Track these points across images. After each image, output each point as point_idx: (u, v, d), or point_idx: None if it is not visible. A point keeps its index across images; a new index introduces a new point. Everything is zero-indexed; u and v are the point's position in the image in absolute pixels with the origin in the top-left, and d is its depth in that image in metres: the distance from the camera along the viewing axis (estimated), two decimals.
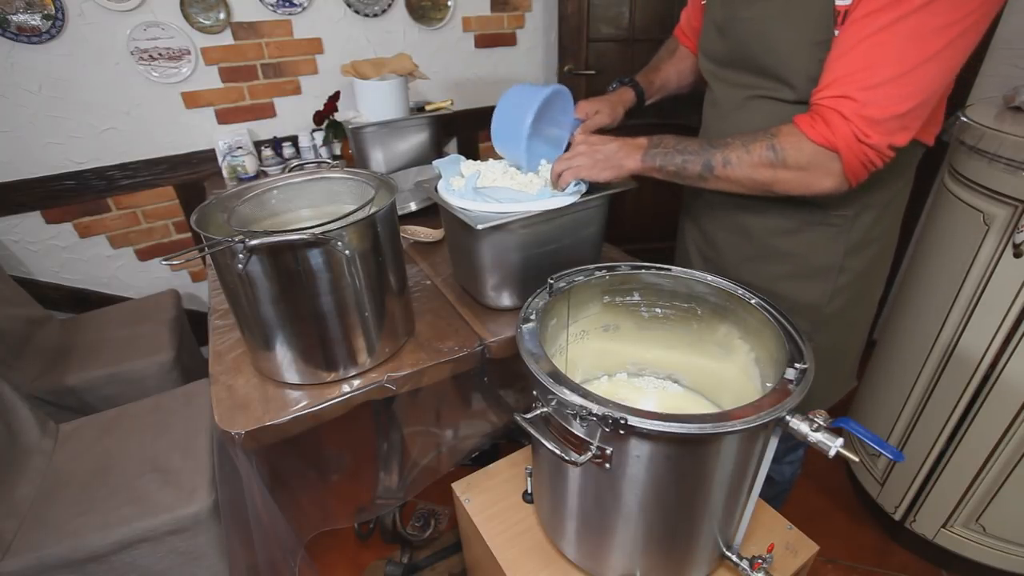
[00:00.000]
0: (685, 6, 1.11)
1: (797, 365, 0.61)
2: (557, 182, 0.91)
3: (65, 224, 1.81)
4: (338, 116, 1.89)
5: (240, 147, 1.88)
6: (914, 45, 0.62)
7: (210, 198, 0.87)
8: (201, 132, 1.91)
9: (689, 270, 0.81)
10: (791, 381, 0.60)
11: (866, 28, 0.65)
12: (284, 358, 0.86)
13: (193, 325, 1.97)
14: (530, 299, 0.77)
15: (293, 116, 2.04)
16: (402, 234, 1.26)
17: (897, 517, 1.46)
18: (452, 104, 1.80)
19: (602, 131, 1.05)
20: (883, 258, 0.94)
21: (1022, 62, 1.56)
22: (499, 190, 0.96)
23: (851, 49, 0.67)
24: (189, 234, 2.04)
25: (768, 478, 1.17)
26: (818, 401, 1.01)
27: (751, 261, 0.96)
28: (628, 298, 0.85)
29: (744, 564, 0.70)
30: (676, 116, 2.39)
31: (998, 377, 1.17)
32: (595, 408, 0.55)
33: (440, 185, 1.01)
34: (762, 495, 1.12)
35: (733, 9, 0.83)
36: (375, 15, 2.01)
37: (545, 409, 0.62)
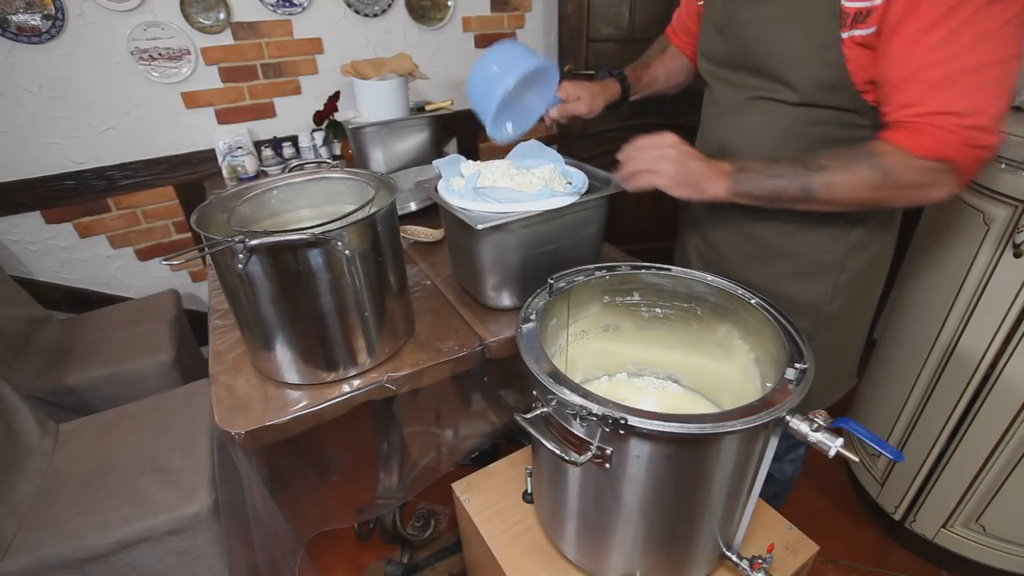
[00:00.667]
0: (678, 6, 1.11)
1: (797, 365, 0.61)
2: (628, 180, 0.86)
3: (65, 224, 1.81)
4: (338, 116, 1.89)
5: (240, 147, 1.88)
6: (985, 47, 0.63)
7: (210, 198, 0.87)
8: (201, 132, 1.91)
9: (689, 270, 0.81)
10: (791, 381, 0.60)
11: (931, 40, 0.64)
12: (284, 358, 0.86)
13: (193, 325, 1.97)
14: (530, 299, 0.77)
15: (293, 116, 2.04)
16: (402, 234, 1.26)
17: (897, 517, 1.46)
18: (452, 104, 1.80)
19: (575, 119, 1.08)
20: (883, 257, 0.94)
21: None
22: (499, 190, 0.96)
23: (924, 64, 0.65)
24: (189, 234, 2.04)
25: (769, 476, 1.16)
26: (819, 400, 1.01)
27: (752, 261, 0.96)
28: (628, 298, 0.85)
29: (744, 564, 0.70)
30: (676, 116, 2.39)
31: (998, 377, 1.16)
32: (595, 408, 0.55)
33: (440, 185, 1.01)
34: (763, 493, 1.12)
35: (735, 10, 0.83)
36: (375, 15, 2.01)
37: (545, 409, 0.62)
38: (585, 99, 1.04)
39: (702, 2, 0.95)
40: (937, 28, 0.63)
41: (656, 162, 0.80)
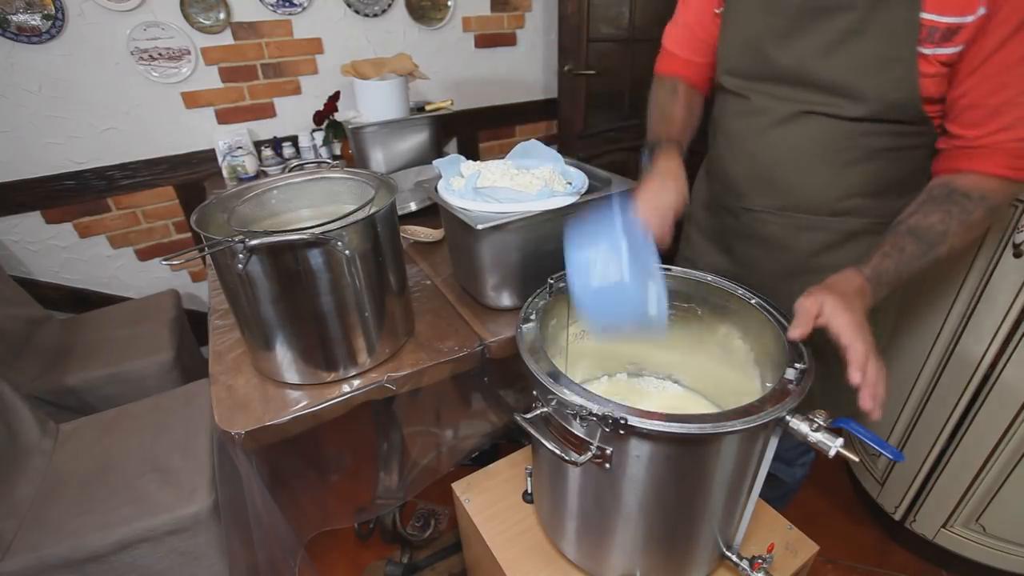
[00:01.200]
0: (673, 37, 0.99)
1: (797, 365, 0.61)
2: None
3: (65, 224, 1.81)
4: (338, 116, 1.89)
5: (240, 147, 1.88)
6: None
7: (210, 198, 0.87)
8: (201, 132, 1.91)
9: (689, 270, 0.81)
10: (791, 381, 0.60)
11: (1010, 62, 0.63)
12: (284, 358, 0.86)
13: (193, 325, 1.97)
14: (530, 299, 0.77)
15: (293, 116, 2.04)
16: (402, 234, 1.26)
17: (897, 517, 1.46)
18: (452, 104, 1.80)
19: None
20: None
21: None
22: (499, 190, 0.96)
23: (1020, 93, 0.65)
24: (189, 234, 2.04)
25: (778, 480, 1.16)
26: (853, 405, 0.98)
27: (787, 278, 0.91)
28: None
29: (744, 564, 0.70)
30: None
31: (998, 377, 1.16)
32: (595, 408, 0.55)
33: (440, 185, 1.01)
34: (770, 495, 1.11)
35: (789, 23, 0.77)
36: (375, 15, 2.01)
37: (545, 409, 0.62)
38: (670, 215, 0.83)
39: (720, 10, 0.89)
40: (1018, 46, 0.62)
41: (859, 330, 0.62)
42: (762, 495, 0.86)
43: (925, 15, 0.65)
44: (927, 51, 0.67)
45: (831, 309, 0.62)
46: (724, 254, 1.02)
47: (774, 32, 0.79)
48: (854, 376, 0.58)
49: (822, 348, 0.64)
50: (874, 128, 0.76)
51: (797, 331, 0.64)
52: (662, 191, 0.81)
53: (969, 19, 0.63)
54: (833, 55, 0.74)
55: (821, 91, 0.77)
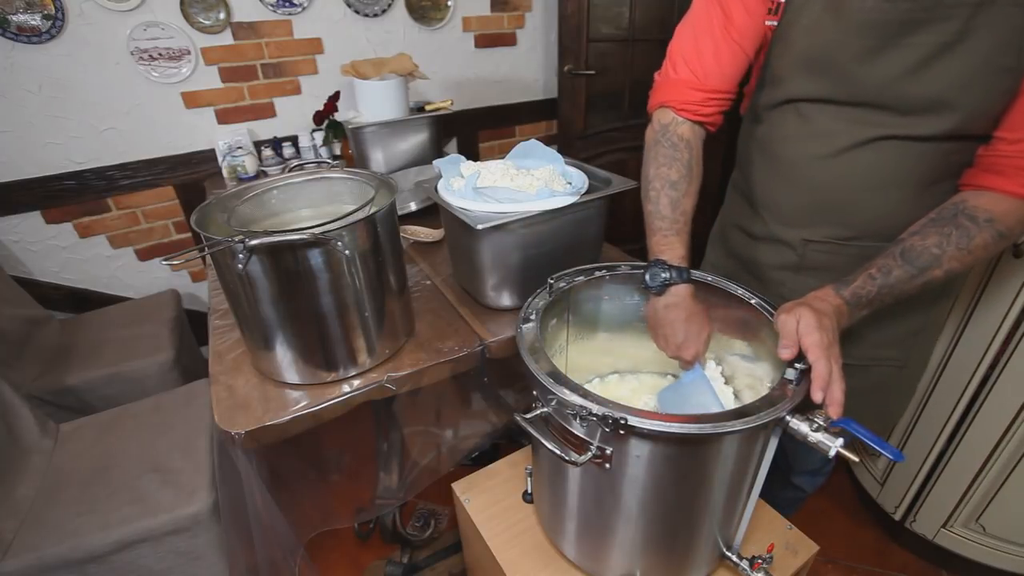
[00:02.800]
0: (700, 60, 0.80)
1: (797, 365, 0.61)
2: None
3: (65, 224, 1.81)
4: (338, 116, 1.89)
5: (240, 147, 1.88)
6: None
7: (210, 198, 0.87)
8: (201, 132, 1.91)
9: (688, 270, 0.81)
10: (791, 381, 0.60)
11: None
12: (284, 358, 0.86)
13: (193, 325, 1.96)
14: (530, 299, 0.77)
15: (293, 116, 2.04)
16: (402, 234, 1.26)
17: (897, 517, 1.46)
18: (452, 104, 1.80)
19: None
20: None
21: None
22: (499, 190, 0.96)
23: None
24: (189, 234, 2.04)
25: (814, 473, 1.15)
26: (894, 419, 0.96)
27: None
28: (628, 298, 0.85)
29: (744, 564, 0.70)
30: None
31: (998, 377, 1.16)
32: (595, 408, 0.55)
33: (440, 185, 1.01)
34: (785, 500, 1.09)
35: (872, 41, 0.68)
36: (375, 15, 2.01)
37: (545, 409, 0.62)
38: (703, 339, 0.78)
39: (773, 23, 0.75)
40: None
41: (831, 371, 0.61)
42: (778, 501, 0.86)
43: None
44: None
45: (804, 326, 0.61)
46: (756, 280, 0.93)
47: (855, 50, 0.69)
48: (815, 395, 0.58)
49: None
50: (954, 146, 0.70)
51: (787, 351, 0.62)
52: (690, 324, 0.75)
53: None
54: (928, 71, 0.66)
55: (905, 111, 0.70)
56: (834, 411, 0.58)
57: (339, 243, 0.76)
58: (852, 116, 0.73)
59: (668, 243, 0.79)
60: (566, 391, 0.58)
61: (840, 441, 0.55)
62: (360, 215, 0.79)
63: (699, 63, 0.80)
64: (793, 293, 0.79)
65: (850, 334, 0.74)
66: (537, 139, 1.09)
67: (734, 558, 0.70)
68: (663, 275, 0.75)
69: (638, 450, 0.57)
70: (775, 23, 0.75)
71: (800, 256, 0.86)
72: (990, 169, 0.67)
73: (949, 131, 0.68)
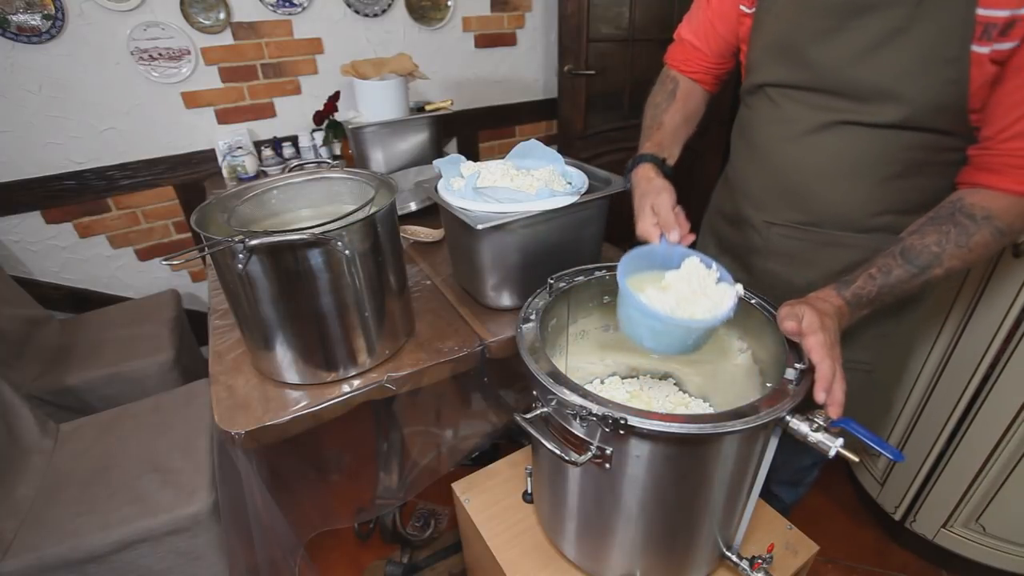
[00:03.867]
0: (691, 26, 0.93)
1: (797, 365, 0.61)
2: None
3: (65, 224, 1.81)
4: (338, 116, 1.89)
5: (240, 147, 1.88)
6: None
7: (210, 198, 0.87)
8: (201, 132, 1.91)
9: None
10: (791, 381, 0.60)
11: None
12: (284, 358, 0.86)
13: (193, 325, 1.97)
14: (530, 299, 0.77)
15: (293, 116, 2.04)
16: (402, 234, 1.26)
17: (897, 517, 1.46)
18: (452, 104, 1.80)
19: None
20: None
21: None
22: (499, 190, 0.96)
23: None
24: (189, 234, 2.04)
25: (794, 483, 1.15)
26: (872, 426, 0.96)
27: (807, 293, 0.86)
28: None
29: (744, 564, 0.70)
30: None
31: (998, 377, 1.16)
32: (595, 408, 0.55)
33: (440, 185, 1.01)
34: (784, 498, 1.09)
35: (825, 24, 0.72)
36: (375, 15, 2.01)
37: (545, 409, 0.62)
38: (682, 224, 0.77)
39: (750, 10, 0.83)
40: None
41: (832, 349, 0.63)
42: (777, 498, 0.85)
43: (981, 11, 0.60)
44: (983, 49, 0.62)
45: (807, 324, 0.61)
46: (743, 270, 0.97)
47: (812, 32, 0.74)
48: (818, 395, 0.58)
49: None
50: (913, 139, 0.72)
51: (790, 323, 0.62)
52: (654, 196, 0.77)
53: (1022, 11, 0.58)
54: (876, 56, 0.69)
55: (859, 97, 0.73)
56: (835, 411, 0.58)
57: (339, 243, 0.76)
58: (812, 101, 0.77)
59: (642, 147, 0.90)
60: (566, 391, 0.58)
61: (840, 441, 0.55)
62: (360, 215, 0.79)
63: (689, 28, 0.95)
64: (760, 278, 0.90)
65: None
66: (537, 139, 1.09)
67: (734, 558, 0.70)
68: (628, 165, 0.87)
69: (638, 450, 0.57)
70: (752, 11, 0.82)
71: (764, 240, 0.90)
72: (984, 167, 0.68)
73: (901, 120, 0.70)
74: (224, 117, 1.93)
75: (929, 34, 0.64)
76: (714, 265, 0.70)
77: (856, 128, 0.74)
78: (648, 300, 0.65)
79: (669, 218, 0.74)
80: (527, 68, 2.43)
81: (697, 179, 2.50)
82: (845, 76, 0.73)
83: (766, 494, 1.17)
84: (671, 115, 0.94)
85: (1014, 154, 0.64)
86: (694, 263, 0.70)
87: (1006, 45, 0.60)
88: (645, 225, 0.76)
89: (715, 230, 1.05)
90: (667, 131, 0.92)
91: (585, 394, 0.58)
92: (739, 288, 0.68)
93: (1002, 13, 0.59)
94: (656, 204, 0.76)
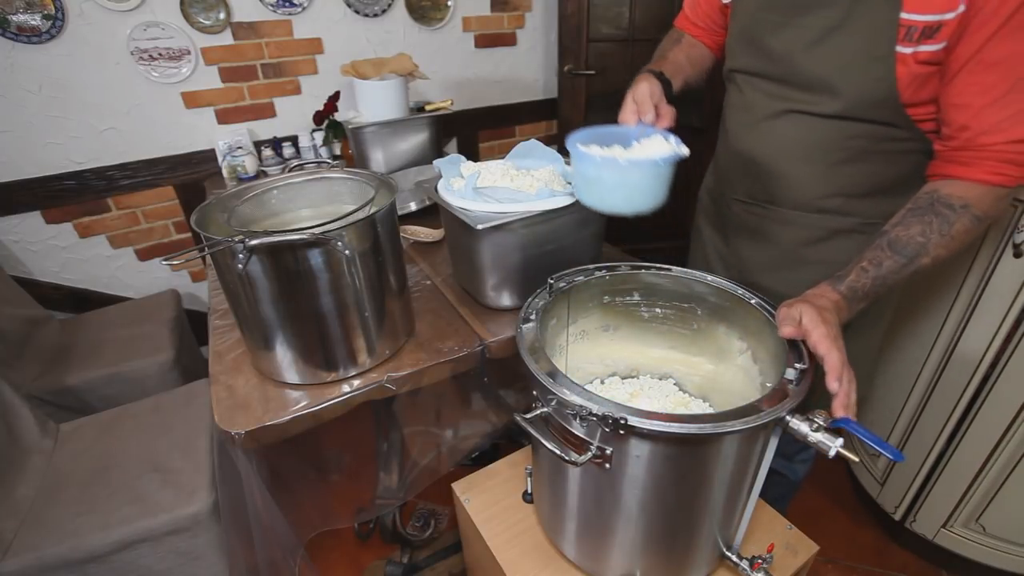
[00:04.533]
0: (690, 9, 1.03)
1: (797, 365, 0.61)
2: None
3: (65, 224, 1.81)
4: (338, 116, 1.89)
5: (240, 147, 1.88)
6: None
7: (210, 198, 0.87)
8: (201, 132, 1.91)
9: (689, 270, 0.81)
10: (791, 381, 0.60)
11: (1009, 67, 0.62)
12: (284, 358, 0.86)
13: (193, 325, 1.97)
14: (530, 299, 0.77)
15: (293, 116, 2.04)
16: (402, 234, 1.26)
17: (897, 517, 1.46)
18: (452, 104, 1.80)
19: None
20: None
21: None
22: (499, 190, 0.96)
23: (1013, 89, 0.63)
24: (189, 234, 2.04)
25: (782, 477, 1.17)
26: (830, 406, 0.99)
27: (775, 269, 0.94)
28: (628, 298, 0.85)
29: (744, 564, 0.70)
30: (677, 116, 2.39)
31: (998, 377, 1.16)
32: (595, 408, 0.55)
33: (440, 185, 1.01)
34: (772, 493, 1.11)
35: (776, 18, 0.79)
36: (375, 15, 2.01)
37: (545, 409, 0.62)
38: (667, 112, 0.86)
39: (727, 1, 0.91)
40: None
41: (834, 342, 0.63)
42: (762, 494, 0.86)
43: (904, 15, 0.65)
44: (906, 50, 0.67)
45: (808, 320, 0.63)
46: (723, 242, 1.05)
47: (769, 25, 0.81)
48: (832, 384, 0.60)
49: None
50: (855, 129, 0.77)
51: (788, 329, 0.64)
52: (635, 86, 0.86)
53: (950, 16, 0.63)
54: (817, 50, 0.75)
55: (806, 88, 0.78)
56: (840, 404, 0.59)
57: (339, 243, 0.76)
58: (769, 90, 0.84)
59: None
60: (566, 391, 0.58)
61: (840, 441, 0.55)
62: (360, 215, 0.79)
63: (688, 5, 1.02)
64: (734, 246, 0.99)
65: None
66: (537, 139, 1.09)
67: (734, 558, 0.70)
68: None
69: (638, 450, 0.57)
70: (730, 1, 0.89)
71: (733, 215, 0.98)
72: (953, 161, 0.70)
73: (840, 112, 0.76)
74: (224, 117, 1.93)
75: (860, 33, 0.70)
76: (673, 139, 0.77)
77: (805, 117, 0.80)
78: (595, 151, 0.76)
79: (645, 102, 0.82)
80: (527, 68, 2.43)
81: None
82: (795, 67, 0.79)
83: (770, 475, 1.19)
84: (675, 53, 1.00)
85: (982, 149, 0.66)
86: (655, 139, 0.78)
87: (931, 47, 0.65)
88: (624, 112, 0.84)
89: (704, 205, 1.12)
90: (669, 62, 0.97)
91: (585, 394, 0.58)
92: (682, 149, 0.76)
93: (921, 18, 0.65)
94: (636, 92, 0.84)
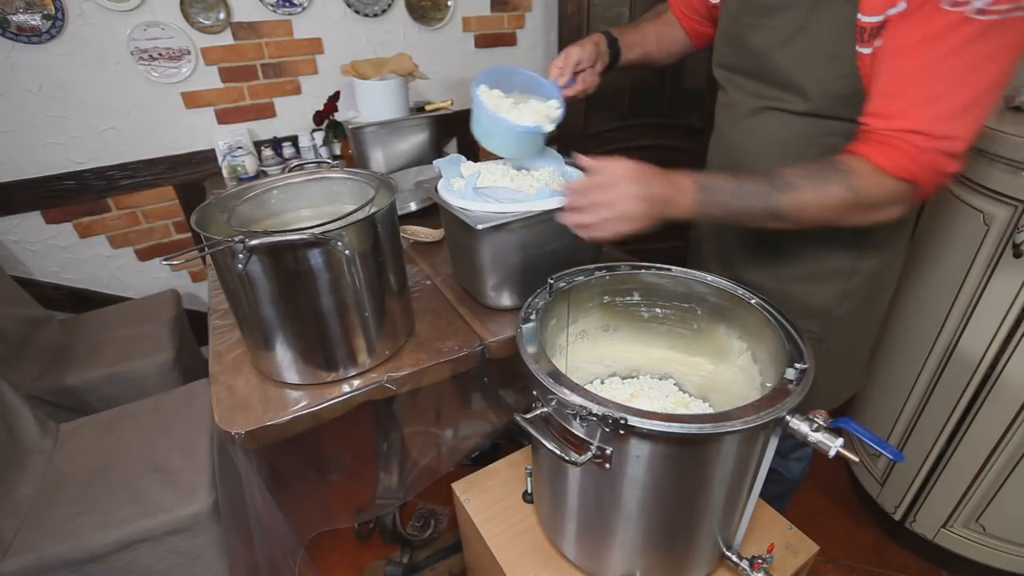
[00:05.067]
0: None
1: (797, 365, 0.61)
2: (586, 231, 0.76)
3: (65, 224, 1.81)
4: (338, 116, 1.89)
5: (240, 147, 1.88)
6: (975, 74, 0.61)
7: (210, 198, 0.87)
8: (201, 132, 1.91)
9: (689, 270, 0.81)
10: (791, 381, 0.60)
11: (924, 56, 0.63)
12: (284, 358, 0.86)
13: (193, 325, 1.97)
14: (530, 299, 0.77)
15: (293, 116, 2.04)
16: (402, 234, 1.26)
17: (897, 517, 1.46)
18: (452, 104, 1.80)
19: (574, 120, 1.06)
20: (895, 261, 0.93)
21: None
22: (499, 190, 0.96)
23: (912, 79, 0.64)
24: (189, 234, 2.04)
25: (777, 475, 1.17)
26: (827, 400, 1.00)
27: (763, 263, 0.95)
28: (628, 298, 0.85)
29: (744, 564, 0.70)
30: (676, 116, 2.39)
31: (998, 377, 1.16)
32: (595, 408, 0.55)
33: (440, 185, 1.01)
34: (769, 492, 1.11)
35: (747, 20, 0.82)
36: (375, 15, 2.01)
37: (545, 409, 0.62)
38: (588, 76, 0.98)
39: (716, 0, 0.94)
40: (934, 44, 0.62)
41: (620, 205, 0.72)
42: (762, 493, 0.87)
43: (861, 16, 0.67)
44: (865, 50, 0.69)
45: (613, 162, 0.73)
46: (717, 240, 1.06)
47: (745, 24, 0.83)
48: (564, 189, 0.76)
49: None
50: (829, 126, 0.79)
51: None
52: (573, 50, 0.96)
53: (892, 12, 0.65)
54: (785, 49, 0.78)
55: (778, 85, 0.80)
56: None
57: (339, 243, 0.76)
58: (748, 87, 0.87)
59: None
60: (566, 391, 0.58)
61: (840, 441, 0.55)
62: (360, 215, 0.79)
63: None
64: (724, 242, 1.01)
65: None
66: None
67: (734, 558, 0.70)
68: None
69: (638, 450, 0.57)
70: (718, 1, 0.92)
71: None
72: (860, 139, 0.72)
73: (813, 110, 0.78)
74: (224, 117, 1.93)
75: (822, 34, 0.72)
76: (558, 112, 0.93)
77: (782, 114, 0.82)
78: (487, 100, 0.92)
79: (568, 67, 0.95)
80: (527, 68, 2.42)
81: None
82: (768, 65, 0.81)
83: (772, 473, 1.19)
84: (647, 27, 1.07)
85: (876, 132, 0.68)
86: (551, 103, 0.94)
87: (879, 43, 0.68)
88: (552, 64, 0.96)
89: None
90: (637, 32, 1.05)
91: (585, 394, 0.58)
92: (546, 126, 0.92)
93: (870, 19, 0.67)
94: (571, 52, 0.95)
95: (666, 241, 2.57)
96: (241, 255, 0.72)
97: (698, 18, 1.03)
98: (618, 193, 0.72)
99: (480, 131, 0.96)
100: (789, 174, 0.72)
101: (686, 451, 0.58)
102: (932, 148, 0.64)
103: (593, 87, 1.00)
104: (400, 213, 1.43)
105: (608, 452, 0.58)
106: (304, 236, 0.72)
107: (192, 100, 1.85)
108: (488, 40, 2.28)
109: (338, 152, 1.96)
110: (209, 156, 1.93)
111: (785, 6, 0.75)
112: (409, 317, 1.01)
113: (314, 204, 0.99)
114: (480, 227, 0.86)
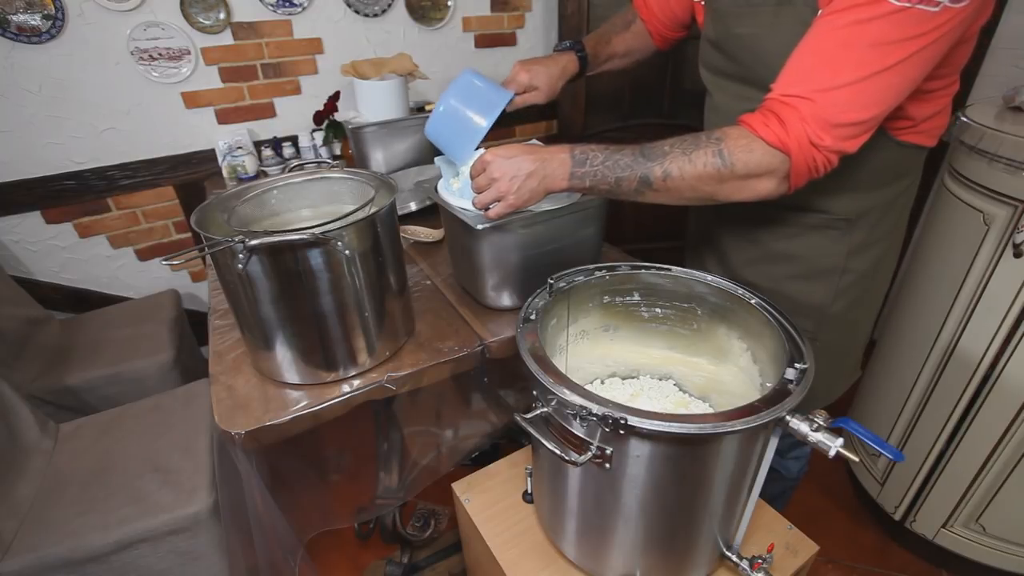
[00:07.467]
0: None
1: (797, 365, 0.61)
2: (492, 215, 0.82)
3: (65, 224, 1.81)
4: (338, 116, 1.89)
5: (240, 147, 1.88)
6: (875, 53, 0.61)
7: (210, 198, 0.87)
8: (201, 132, 1.91)
9: (689, 270, 0.81)
10: (791, 381, 0.60)
11: (828, 28, 0.64)
12: (284, 358, 0.86)
13: (193, 325, 1.97)
14: (530, 299, 0.77)
15: (293, 116, 2.04)
16: (402, 234, 1.26)
17: (897, 517, 1.46)
18: None
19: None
20: (887, 259, 0.94)
21: (1022, 62, 1.56)
22: None
23: (811, 49, 0.65)
24: (189, 234, 2.04)
25: (775, 474, 1.18)
26: (822, 397, 1.01)
27: (756, 263, 0.96)
28: (628, 298, 0.85)
29: (744, 564, 0.70)
30: (676, 116, 2.39)
31: (998, 377, 1.16)
32: (595, 408, 0.55)
33: (440, 185, 1.01)
34: (768, 491, 1.12)
35: (726, 25, 0.83)
36: (375, 15, 2.01)
37: (545, 409, 0.62)
38: (543, 88, 1.00)
39: (703, 1, 0.94)
40: (841, 16, 0.62)
41: (487, 195, 0.79)
42: (761, 492, 0.87)
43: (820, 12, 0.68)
44: None
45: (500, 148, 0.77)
46: (710, 241, 1.07)
47: (720, 28, 0.85)
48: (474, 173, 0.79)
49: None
50: None
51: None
52: (541, 76, 0.99)
53: None
54: (755, 49, 0.79)
55: (760, 86, 0.79)
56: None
57: (339, 243, 0.76)
58: (732, 90, 0.89)
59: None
60: (566, 391, 0.58)
61: (840, 441, 0.55)
62: (360, 215, 0.79)
63: (644, 2, 1.07)
64: (720, 243, 1.01)
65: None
66: (537, 139, 1.09)
67: (734, 558, 0.70)
68: (560, 46, 1.08)
69: (638, 450, 0.57)
70: (703, 2, 0.92)
71: (714, 212, 1.01)
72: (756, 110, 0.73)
73: None
74: (224, 117, 1.93)
75: (788, 35, 0.72)
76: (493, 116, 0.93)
77: None
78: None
79: (525, 84, 0.99)
80: None
81: None
82: (747, 67, 0.83)
83: (770, 472, 1.20)
84: (620, 40, 1.10)
85: (770, 99, 0.69)
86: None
87: None
88: (518, 73, 0.99)
89: (694, 210, 1.15)
90: (610, 47, 1.09)
91: (585, 394, 0.58)
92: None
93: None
94: (535, 71, 0.99)
95: (666, 241, 2.57)
96: (241, 255, 0.72)
97: (673, 27, 1.05)
98: (510, 171, 0.76)
99: (436, 136, 0.97)
100: (663, 143, 0.72)
101: (686, 451, 0.58)
102: (812, 115, 0.64)
103: (554, 94, 1.04)
104: (400, 213, 1.43)
105: (608, 452, 0.58)
106: (304, 236, 0.72)
107: (192, 100, 1.85)
108: (488, 40, 2.28)
109: (338, 152, 1.96)
110: (209, 156, 1.93)
111: (753, 12, 0.77)
112: (409, 317, 1.00)
113: (314, 204, 0.99)
114: (480, 227, 0.86)
